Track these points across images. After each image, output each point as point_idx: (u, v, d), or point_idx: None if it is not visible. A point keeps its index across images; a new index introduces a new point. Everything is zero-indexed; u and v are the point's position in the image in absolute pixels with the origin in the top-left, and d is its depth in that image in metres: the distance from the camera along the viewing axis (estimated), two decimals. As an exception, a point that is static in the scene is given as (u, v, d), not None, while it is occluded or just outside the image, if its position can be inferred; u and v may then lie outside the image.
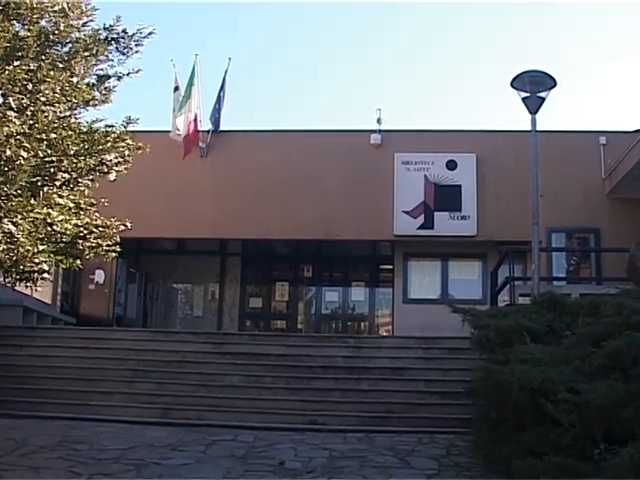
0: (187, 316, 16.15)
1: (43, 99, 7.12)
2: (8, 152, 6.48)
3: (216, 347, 10.15)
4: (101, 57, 7.74)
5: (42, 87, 7.06)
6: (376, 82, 26.34)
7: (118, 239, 8.78)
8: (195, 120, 13.78)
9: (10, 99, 6.69)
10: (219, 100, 14.14)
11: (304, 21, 26.57)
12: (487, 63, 28.83)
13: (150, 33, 7.74)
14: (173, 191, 13.80)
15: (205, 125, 14.07)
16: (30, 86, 6.92)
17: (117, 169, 8.30)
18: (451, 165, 13.58)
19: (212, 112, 14.14)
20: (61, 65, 7.35)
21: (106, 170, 8.10)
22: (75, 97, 7.59)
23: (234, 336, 11.57)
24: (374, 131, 13.89)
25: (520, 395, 4.94)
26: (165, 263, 15.59)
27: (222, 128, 14.22)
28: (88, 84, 7.90)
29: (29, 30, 7.08)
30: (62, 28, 7.30)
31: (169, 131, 13.80)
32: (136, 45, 7.71)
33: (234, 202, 13.76)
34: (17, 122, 6.61)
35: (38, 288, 8.63)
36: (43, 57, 7.11)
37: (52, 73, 7.16)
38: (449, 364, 9.15)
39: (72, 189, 8.04)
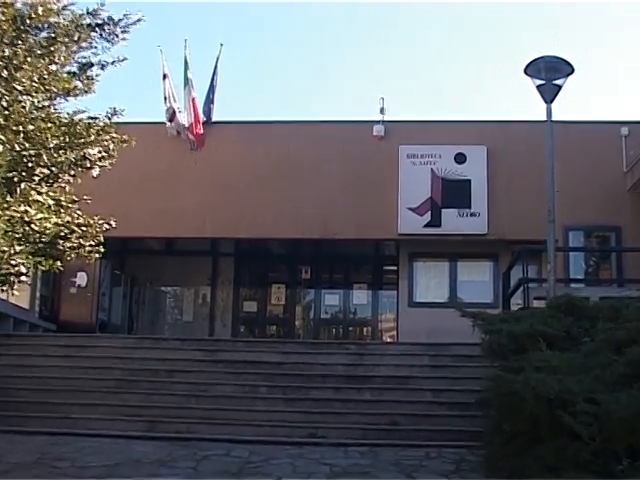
0: (176, 321, 16.21)
1: (20, 88, 7.05)
2: (-19, 145, 6.48)
3: (208, 355, 10.19)
4: (83, 44, 7.68)
5: (18, 75, 7.00)
6: (379, 69, 26.49)
7: (102, 239, 8.75)
8: (195, 109, 13.77)
9: (-17, 88, 6.77)
10: (211, 89, 14.17)
11: (300, 7, 26.60)
12: (498, 47, 28.90)
13: (138, 20, 7.73)
14: (161, 187, 13.83)
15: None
16: (5, 74, 6.93)
17: (101, 164, 8.28)
18: (460, 158, 13.58)
19: (204, 102, 14.16)
20: (39, 52, 7.27)
21: (89, 165, 8.14)
22: (55, 86, 7.51)
23: (227, 343, 11.62)
24: (377, 122, 13.91)
25: (535, 406, 4.92)
26: (152, 264, 15.62)
27: (214, 119, 14.30)
28: (69, 72, 7.84)
29: (3, 13, 7.00)
30: (40, 12, 7.21)
31: (157, 123, 13.83)
32: (122, 32, 7.65)
33: (226, 198, 13.80)
34: (-8, 113, 6.68)
35: (15, 292, 8.58)
36: (19, 42, 7.05)
37: (29, 60, 7.10)
38: (458, 372, 9.18)
39: (52, 185, 8.04)
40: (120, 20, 7.60)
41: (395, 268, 14.47)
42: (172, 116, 13.71)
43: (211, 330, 15.08)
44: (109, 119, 8.15)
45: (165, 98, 13.77)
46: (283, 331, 15.48)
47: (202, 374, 9.58)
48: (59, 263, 8.30)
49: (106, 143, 8.13)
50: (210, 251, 15.51)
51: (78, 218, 8.36)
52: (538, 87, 8.74)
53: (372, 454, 6.76)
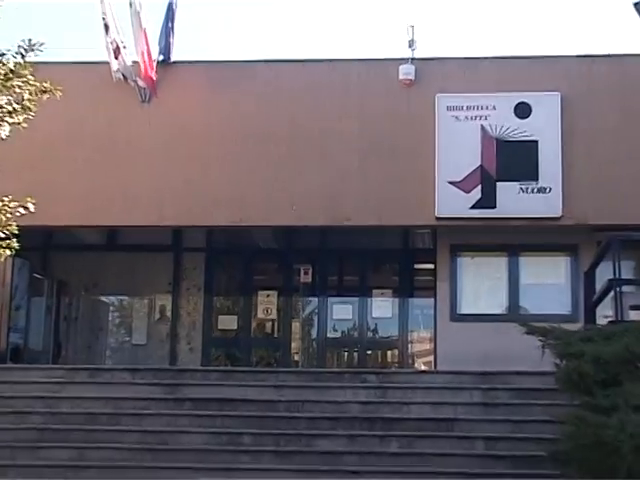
0: (123, 345, 16.31)
1: None
2: None
3: (168, 391, 10.41)
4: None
5: None
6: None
7: (14, 229, 8.76)
8: (147, 43, 13.79)
9: None
10: (169, 16, 14.29)
11: None
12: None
13: None
14: (100, 156, 13.90)
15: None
16: None
17: (11, 120, 8.19)
18: (522, 111, 13.58)
19: (160, 34, 14.25)
20: None
21: (-7, 121, 8.05)
22: None
23: (195, 374, 11.73)
24: (404, 60, 13.92)
25: (635, 460, 4.92)
26: (89, 265, 15.69)
27: (174, 58, 14.42)
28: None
29: None
30: None
31: (94, 63, 13.92)
32: None
33: (193, 172, 13.94)
34: None
35: None
36: None
37: None
38: (522, 413, 9.33)
39: None
40: None
41: (431, 267, 14.51)
42: (116, 53, 13.65)
43: (173, 356, 15.17)
44: (22, 57, 8.09)
45: (106, 27, 13.60)
46: (274, 357, 15.54)
47: (161, 419, 9.70)
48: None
49: (18, 90, 8.06)
50: (171, 245, 15.58)
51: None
52: (636, 5, 8.65)
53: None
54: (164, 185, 13.90)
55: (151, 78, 13.83)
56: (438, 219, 13.68)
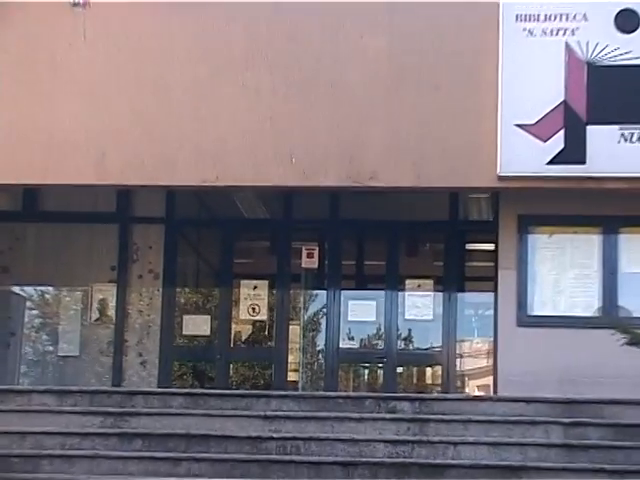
0: (46, 356, 16.30)
1: None
2: None
3: (111, 423, 10.60)
4: None
5: None
6: None
7: None
8: None
9: None
10: None
11: None
12: None
13: None
14: (10, 84, 13.93)
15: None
16: None
17: None
18: (627, 21, 13.51)
19: None
20: None
21: None
22: None
23: (150, 399, 11.82)
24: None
25: None
26: (-6, 241, 15.81)
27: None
28: None
29: None
30: None
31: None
32: None
33: (146, 106, 13.96)
34: None
35: None
36: None
37: None
38: (622, 459, 9.48)
39: None
40: None
41: (490, 247, 14.66)
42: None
43: (118, 374, 15.31)
44: None
45: None
46: (264, 375, 15.77)
47: (100, 463, 9.82)
48: None
49: None
50: (116, 214, 15.77)
51: None
52: None
53: None
54: (105, 126, 13.92)
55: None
56: (501, 179, 13.67)
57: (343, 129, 13.90)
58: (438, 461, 9.83)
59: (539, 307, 14.03)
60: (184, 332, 15.79)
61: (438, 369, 15.59)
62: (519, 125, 13.58)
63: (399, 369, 15.75)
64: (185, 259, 16.17)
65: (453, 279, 15.57)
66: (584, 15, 13.59)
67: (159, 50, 14.11)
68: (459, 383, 15.53)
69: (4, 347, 16.14)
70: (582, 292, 14.04)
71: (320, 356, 15.91)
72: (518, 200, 14.09)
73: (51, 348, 16.25)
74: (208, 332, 15.78)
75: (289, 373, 15.73)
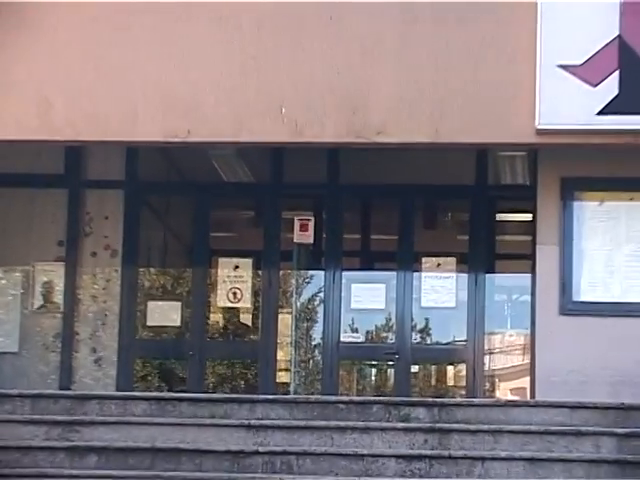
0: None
1: None
2: None
3: (59, 434, 10.75)
4: None
5: None
6: None
7: None
8: None
9: None
10: None
11: None
12: None
13: None
14: None
15: None
16: None
17: None
18: None
19: None
20: None
21: None
22: None
23: (107, 405, 11.92)
24: None
25: None
26: None
27: None
28: None
29: None
30: None
31: None
32: None
33: (101, 46, 13.88)
34: None
35: None
36: None
37: None
38: None
39: None
40: None
41: (527, 218, 14.82)
42: None
43: (66, 374, 15.37)
44: None
45: None
46: (247, 375, 15.92)
47: None
48: None
49: None
50: (64, 177, 15.86)
51: None
52: None
53: None
54: (52, 70, 13.86)
55: None
56: (540, 133, 13.57)
57: (344, 72, 13.81)
58: (462, 480, 9.64)
59: (587, 291, 14.02)
60: (149, 322, 15.85)
61: (462, 368, 15.65)
62: (563, 66, 13.44)
63: (414, 368, 15.79)
64: (150, 232, 16.21)
65: (481, 257, 15.56)
66: None
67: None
68: (488, 385, 15.62)
69: None
70: (640, 272, 13.70)
71: (316, 352, 16.04)
72: (561, 159, 14.15)
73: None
74: (178, 322, 15.87)
75: (278, 373, 15.81)
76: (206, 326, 16.01)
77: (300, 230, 15.68)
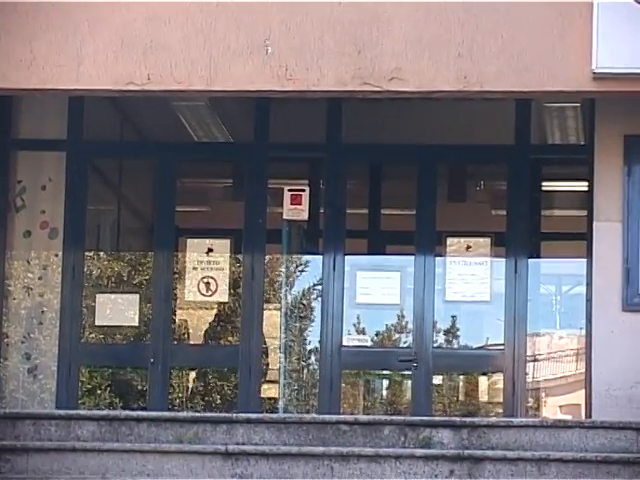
0: None
1: None
2: None
3: None
4: None
5: None
6: None
7: None
8: None
9: None
10: None
11: None
12: None
13: None
14: None
15: None
16: None
17: None
18: None
19: None
20: None
21: None
22: None
23: (45, 426, 11.57)
24: None
25: None
26: None
27: None
28: None
29: None
30: None
31: None
32: None
33: None
34: None
35: None
36: None
37: None
38: None
39: None
40: None
41: (582, 187, 14.32)
42: None
43: None
44: None
45: None
46: (223, 387, 15.73)
47: None
48: None
49: None
50: None
51: None
52: None
53: None
54: None
55: None
56: (598, 79, 12.87)
57: (347, 3, 13.21)
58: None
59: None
60: (98, 322, 15.16)
61: (498, 379, 15.14)
62: (629, -2, 12.72)
63: (436, 379, 15.25)
64: (100, 206, 15.93)
65: (522, 238, 14.85)
66: None
67: None
68: (532, 401, 15.57)
69: None
70: None
71: (312, 359, 15.63)
72: (625, 113, 13.59)
73: None
74: (136, 321, 15.28)
75: (264, 385, 15.20)
76: (171, 326, 15.31)
77: (291, 203, 15.17)
